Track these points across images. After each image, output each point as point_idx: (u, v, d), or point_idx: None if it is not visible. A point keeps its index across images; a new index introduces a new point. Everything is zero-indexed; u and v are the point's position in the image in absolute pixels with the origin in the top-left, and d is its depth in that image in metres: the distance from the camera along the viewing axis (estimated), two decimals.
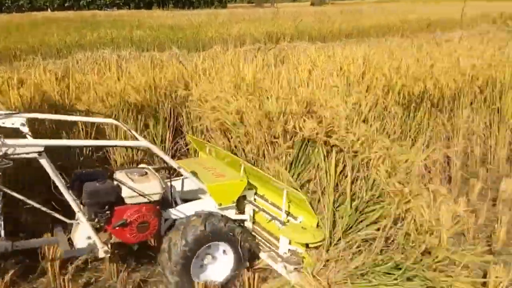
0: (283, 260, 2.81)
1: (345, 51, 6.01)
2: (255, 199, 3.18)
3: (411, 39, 14.67)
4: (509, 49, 6.01)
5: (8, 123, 2.43)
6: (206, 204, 2.94)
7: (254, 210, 3.17)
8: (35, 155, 2.32)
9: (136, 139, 2.73)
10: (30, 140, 2.37)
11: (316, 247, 2.73)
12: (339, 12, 24.38)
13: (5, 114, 2.44)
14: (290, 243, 2.84)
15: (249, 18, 20.39)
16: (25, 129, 2.43)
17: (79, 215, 2.56)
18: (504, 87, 4.88)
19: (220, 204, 2.95)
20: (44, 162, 2.37)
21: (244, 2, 47.52)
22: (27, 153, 2.30)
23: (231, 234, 2.76)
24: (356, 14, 22.62)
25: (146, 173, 2.76)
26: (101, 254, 2.66)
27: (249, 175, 3.10)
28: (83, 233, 2.64)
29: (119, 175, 2.69)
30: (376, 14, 21.73)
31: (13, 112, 2.57)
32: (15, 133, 2.44)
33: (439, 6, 28.11)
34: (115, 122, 2.92)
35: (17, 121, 2.43)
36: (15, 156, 2.27)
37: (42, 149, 2.33)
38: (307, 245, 2.76)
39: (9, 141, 2.26)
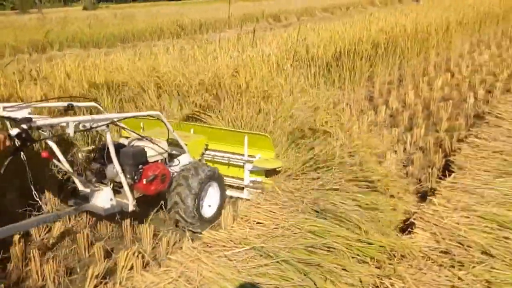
0: (251, 187, 3.71)
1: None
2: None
3: (186, 41, 14.93)
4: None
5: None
6: (186, 158, 3.56)
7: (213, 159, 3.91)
8: (104, 127, 2.85)
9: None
10: (100, 116, 2.88)
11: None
12: (113, 15, 23.42)
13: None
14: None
15: (11, 26, 17.91)
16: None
17: (121, 175, 2.98)
18: None
19: (193, 158, 3.64)
20: (108, 133, 2.89)
21: (7, 9, 41.69)
22: (100, 126, 2.82)
23: (216, 175, 3.47)
24: (130, 17, 22.03)
25: (149, 139, 3.30)
26: (131, 208, 3.08)
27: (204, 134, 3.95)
28: (107, 196, 3.02)
29: (137, 142, 3.30)
30: (151, 17, 21.60)
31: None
32: None
33: (208, 8, 29.52)
34: (155, 112, 3.50)
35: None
36: (93, 128, 2.78)
37: (109, 122, 2.88)
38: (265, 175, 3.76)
39: (86, 117, 2.76)
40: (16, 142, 2.35)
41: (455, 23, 8.58)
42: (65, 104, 2.85)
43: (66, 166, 2.79)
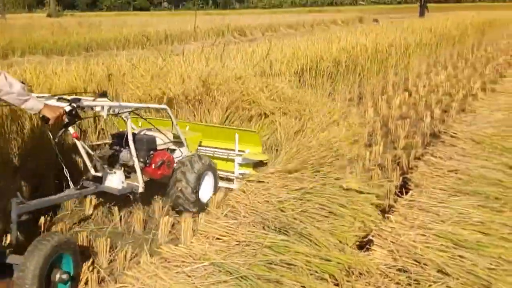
0: (240, 178, 4.03)
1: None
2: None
3: (151, 51, 14.71)
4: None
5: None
6: (185, 151, 3.89)
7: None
8: (127, 113, 3.31)
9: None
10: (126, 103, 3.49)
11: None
12: (78, 24, 22.90)
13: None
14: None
15: None
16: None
17: (134, 159, 3.31)
18: None
19: (191, 151, 3.96)
20: (129, 119, 3.33)
21: None
22: (124, 112, 3.30)
23: (212, 165, 3.85)
24: (95, 26, 21.60)
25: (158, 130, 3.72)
26: (140, 190, 3.38)
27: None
28: (120, 178, 3.36)
29: (148, 132, 3.67)
30: (117, 27, 21.24)
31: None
32: None
33: (176, 20, 29.35)
34: (164, 106, 3.99)
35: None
36: (119, 113, 3.29)
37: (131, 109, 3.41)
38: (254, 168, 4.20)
39: (116, 104, 3.32)
40: (68, 118, 2.83)
41: (414, 44, 8.87)
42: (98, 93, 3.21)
43: (87, 149, 3.35)
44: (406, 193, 3.61)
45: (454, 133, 4.99)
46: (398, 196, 3.68)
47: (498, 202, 3.42)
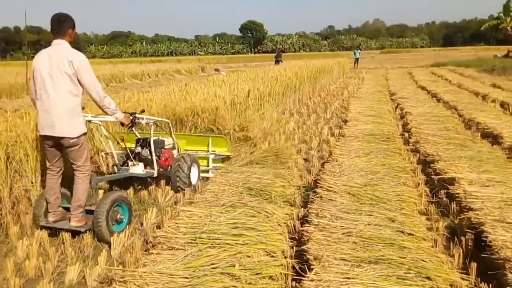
0: (212, 170, 5.83)
1: None
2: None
3: None
4: None
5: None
6: (177, 151, 5.58)
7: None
8: (151, 122, 4.99)
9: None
10: (146, 117, 4.93)
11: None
12: None
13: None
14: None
15: None
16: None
17: (153, 154, 4.93)
18: None
19: (180, 151, 5.70)
20: (153, 127, 5.01)
21: None
22: (148, 122, 4.95)
23: (196, 160, 5.51)
24: None
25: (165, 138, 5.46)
26: (155, 175, 5.01)
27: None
28: (141, 167, 4.94)
29: (159, 138, 5.34)
30: None
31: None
32: None
33: (3, 72, 25.59)
34: (166, 120, 5.80)
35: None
36: (148, 123, 4.97)
37: (152, 121, 5.03)
38: (222, 161, 6.15)
39: (149, 117, 5.07)
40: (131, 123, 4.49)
41: (267, 93, 8.83)
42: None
43: (125, 146, 5.02)
44: (310, 270, 3.04)
45: (329, 186, 4.70)
46: (300, 275, 3.08)
47: (402, 267, 3.08)
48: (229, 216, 3.98)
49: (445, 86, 16.40)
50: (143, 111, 4.91)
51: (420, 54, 62.85)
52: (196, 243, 3.52)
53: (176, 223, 3.88)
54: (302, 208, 4.49)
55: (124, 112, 4.39)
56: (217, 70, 31.99)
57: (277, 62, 25.83)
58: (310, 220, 3.89)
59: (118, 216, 4.07)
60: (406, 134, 7.98)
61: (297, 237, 3.90)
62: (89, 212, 4.05)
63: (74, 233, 4.07)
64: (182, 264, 3.19)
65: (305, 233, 3.67)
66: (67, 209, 4.08)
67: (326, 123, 9.45)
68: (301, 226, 3.97)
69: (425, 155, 6.39)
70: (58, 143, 3.83)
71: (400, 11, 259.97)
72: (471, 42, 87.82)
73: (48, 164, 3.98)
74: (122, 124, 4.32)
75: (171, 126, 5.52)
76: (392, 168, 5.61)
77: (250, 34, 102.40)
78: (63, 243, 3.93)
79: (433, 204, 4.69)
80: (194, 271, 3.08)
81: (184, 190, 5.16)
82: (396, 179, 5.16)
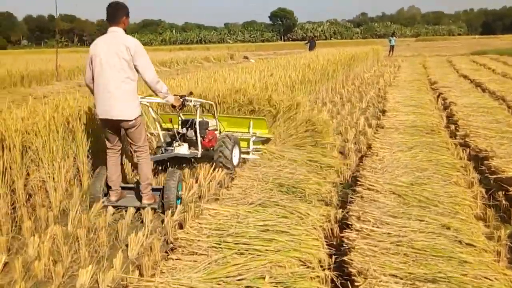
0: (252, 151, 5.73)
1: None
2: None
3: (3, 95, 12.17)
4: None
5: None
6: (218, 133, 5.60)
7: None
8: (198, 104, 4.99)
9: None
10: (194, 99, 4.97)
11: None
12: None
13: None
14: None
15: None
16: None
17: (198, 135, 4.97)
18: None
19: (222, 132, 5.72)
20: (198, 109, 5.03)
21: None
22: (195, 105, 4.95)
23: (237, 141, 5.44)
24: None
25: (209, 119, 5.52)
26: (199, 155, 5.02)
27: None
28: (186, 148, 5.03)
29: (203, 119, 5.32)
30: None
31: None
32: None
33: (36, 58, 25.89)
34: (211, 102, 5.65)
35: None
36: (195, 105, 4.96)
37: (199, 103, 5.06)
38: (262, 143, 6.04)
39: (198, 99, 5.20)
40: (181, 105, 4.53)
41: (298, 81, 8.31)
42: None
43: (174, 130, 5.17)
44: (352, 285, 2.58)
45: (371, 185, 4.19)
46: None
47: None
48: (259, 217, 3.55)
49: (489, 75, 15.36)
50: (191, 93, 4.87)
51: (458, 42, 60.29)
52: (221, 248, 3.11)
53: (200, 223, 3.48)
54: (340, 209, 3.99)
55: (175, 95, 4.45)
56: (246, 57, 31.51)
57: (311, 48, 25.16)
58: (351, 224, 3.40)
59: (180, 193, 4.26)
60: (452, 127, 7.31)
61: (335, 243, 3.43)
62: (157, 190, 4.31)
63: (90, 231, 3.75)
64: (204, 274, 2.79)
65: (346, 240, 3.20)
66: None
67: (362, 113, 8.85)
68: (340, 231, 3.50)
69: (476, 150, 5.75)
70: (116, 125, 4.00)
71: None
72: None
73: (108, 145, 4.17)
74: (173, 106, 4.43)
75: (214, 108, 5.57)
76: (441, 164, 5.03)
77: (280, 22, 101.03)
78: (78, 241, 3.61)
79: (491, 208, 4.09)
80: (218, 283, 2.67)
81: (228, 167, 5.18)
82: (447, 178, 4.59)
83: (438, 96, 10.84)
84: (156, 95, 4.21)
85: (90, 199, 4.23)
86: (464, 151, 5.84)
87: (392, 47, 31.17)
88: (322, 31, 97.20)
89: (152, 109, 5.14)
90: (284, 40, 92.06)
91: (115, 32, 3.89)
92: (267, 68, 9.83)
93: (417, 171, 4.68)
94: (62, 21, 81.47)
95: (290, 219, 3.52)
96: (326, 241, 3.33)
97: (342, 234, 3.35)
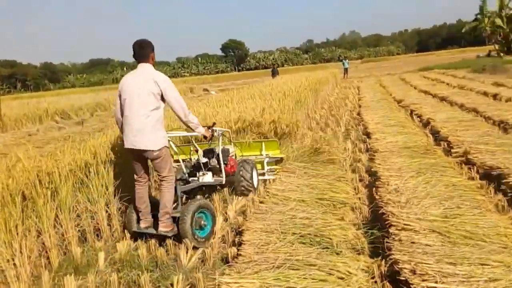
0: (268, 172, 5.98)
1: None
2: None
3: None
4: None
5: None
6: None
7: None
8: (220, 133, 5.15)
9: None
10: (218, 128, 5.13)
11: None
12: None
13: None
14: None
15: None
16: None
17: (221, 162, 5.00)
18: None
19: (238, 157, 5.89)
20: (220, 137, 5.13)
21: None
22: (219, 134, 5.11)
23: (254, 164, 5.56)
24: None
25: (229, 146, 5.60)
26: (224, 182, 5.02)
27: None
28: (210, 176, 5.00)
29: (224, 147, 5.36)
30: None
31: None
32: None
33: None
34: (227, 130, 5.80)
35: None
36: (219, 135, 5.11)
37: (221, 132, 5.23)
38: (276, 163, 6.23)
39: (221, 129, 5.33)
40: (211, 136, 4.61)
41: (279, 110, 7.72)
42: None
43: (201, 160, 5.07)
44: None
45: (406, 224, 3.56)
46: None
47: None
48: (290, 286, 2.80)
49: (447, 89, 15.55)
50: (214, 123, 4.89)
51: (399, 60, 62.85)
52: None
53: None
54: (380, 258, 3.30)
55: (203, 126, 4.54)
56: (206, 90, 30.90)
57: (273, 75, 25.36)
58: (410, 283, 2.73)
59: (202, 222, 4.10)
60: (444, 144, 6.92)
61: None
62: (175, 219, 4.13)
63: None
64: None
65: None
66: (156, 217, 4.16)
67: (346, 138, 8.36)
68: None
69: (485, 168, 5.32)
70: (142, 156, 4.01)
71: (373, 22, 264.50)
72: (444, 46, 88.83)
73: (135, 176, 4.18)
74: (205, 137, 4.53)
75: (230, 134, 5.79)
76: (459, 188, 4.52)
77: (232, 53, 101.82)
78: None
79: None
80: None
81: (250, 190, 5.31)
82: (475, 203, 4.07)
83: (410, 114, 10.62)
84: (188, 126, 4.28)
85: (125, 226, 4.38)
86: (471, 169, 5.39)
87: (346, 70, 31.69)
88: (273, 59, 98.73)
89: (173, 142, 5.06)
90: (238, 71, 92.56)
91: (144, 68, 3.99)
92: (240, 99, 9.20)
93: (442, 199, 4.12)
94: (1, 67, 77.59)
95: (331, 283, 2.81)
96: None
97: None
